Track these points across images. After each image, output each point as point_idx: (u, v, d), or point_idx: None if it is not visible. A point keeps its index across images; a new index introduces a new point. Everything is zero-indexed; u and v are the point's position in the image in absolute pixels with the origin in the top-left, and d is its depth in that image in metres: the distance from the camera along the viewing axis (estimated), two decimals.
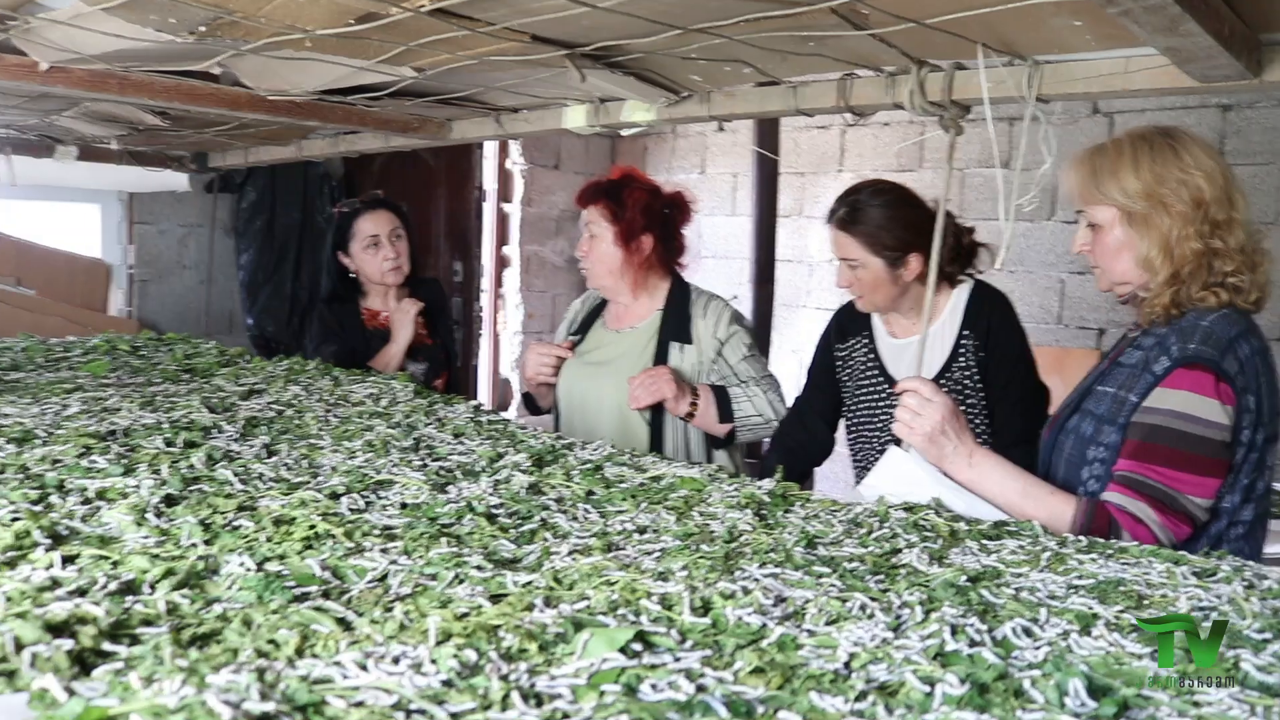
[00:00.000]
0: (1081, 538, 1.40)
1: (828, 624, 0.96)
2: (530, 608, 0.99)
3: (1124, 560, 1.27)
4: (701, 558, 1.24)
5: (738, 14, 1.38)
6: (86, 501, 1.35)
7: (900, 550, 1.31)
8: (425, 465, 1.77)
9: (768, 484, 1.73)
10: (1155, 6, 1.02)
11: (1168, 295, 1.70)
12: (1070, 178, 1.78)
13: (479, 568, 1.20)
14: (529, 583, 1.16)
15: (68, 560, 1.11)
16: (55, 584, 1.01)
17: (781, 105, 1.81)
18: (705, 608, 0.99)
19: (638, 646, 0.87)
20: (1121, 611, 1.04)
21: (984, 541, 1.38)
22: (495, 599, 1.10)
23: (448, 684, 0.79)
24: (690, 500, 1.64)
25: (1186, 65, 1.31)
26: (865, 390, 2.47)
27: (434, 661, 0.82)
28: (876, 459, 2.40)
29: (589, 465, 1.83)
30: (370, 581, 1.14)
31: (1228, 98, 4.24)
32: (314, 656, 0.87)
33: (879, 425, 2.43)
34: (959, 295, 2.35)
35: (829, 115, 1.86)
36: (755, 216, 4.65)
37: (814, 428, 2.58)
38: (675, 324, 2.66)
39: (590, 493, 1.66)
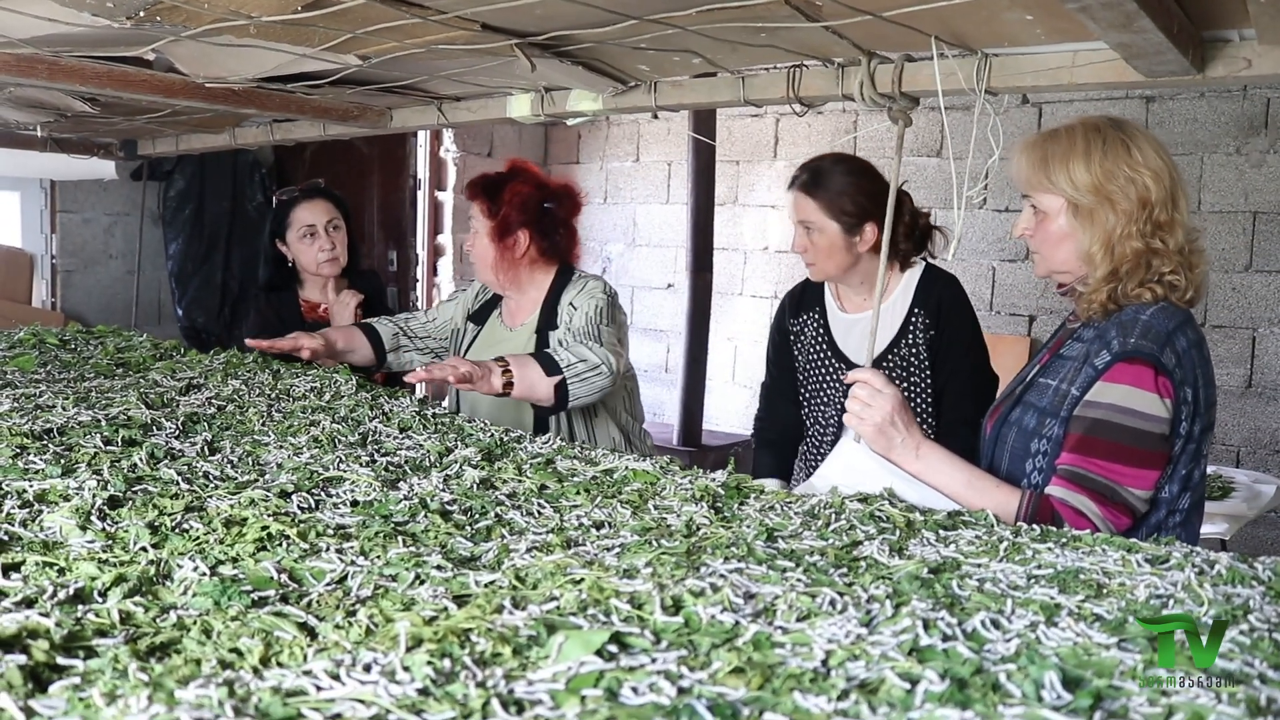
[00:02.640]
0: (1035, 526, 1.43)
1: (799, 620, 0.96)
2: (499, 610, 0.97)
3: (1079, 549, 1.30)
4: (664, 554, 1.24)
5: (693, 4, 1.37)
6: (26, 505, 1.29)
7: (860, 542, 1.32)
8: (374, 461, 1.74)
9: (720, 475, 1.74)
10: (1112, 3, 1.04)
11: (1105, 291, 1.73)
12: (1019, 162, 1.78)
13: (439, 568, 1.18)
14: (491, 583, 1.14)
15: (10, 568, 1.07)
16: (1, 595, 0.96)
17: (729, 96, 1.81)
18: (676, 606, 0.99)
19: (613, 648, 0.86)
20: (1083, 601, 1.06)
21: (941, 532, 1.40)
22: (459, 600, 1.08)
23: (424, 692, 0.77)
24: (644, 493, 1.63)
25: (1135, 61, 1.33)
26: (815, 365, 2.50)
27: (407, 669, 0.80)
28: (827, 433, 2.46)
29: (540, 459, 1.82)
30: (329, 584, 1.12)
31: (1151, 90, 4.35)
32: (281, 666, 0.85)
33: (829, 400, 2.46)
34: (911, 275, 2.40)
35: (764, 104, 1.87)
36: (692, 205, 4.66)
37: (786, 413, 2.60)
38: (549, 313, 2.64)
39: (543, 487, 1.65)
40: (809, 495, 1.62)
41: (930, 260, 2.43)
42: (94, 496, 1.32)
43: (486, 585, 1.13)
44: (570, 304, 2.59)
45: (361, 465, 1.70)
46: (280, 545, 1.24)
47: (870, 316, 2.39)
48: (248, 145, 2.78)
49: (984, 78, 1.52)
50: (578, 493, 1.62)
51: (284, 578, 1.12)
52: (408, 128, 2.48)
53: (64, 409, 1.85)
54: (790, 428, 2.61)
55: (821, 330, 2.49)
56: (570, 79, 1.77)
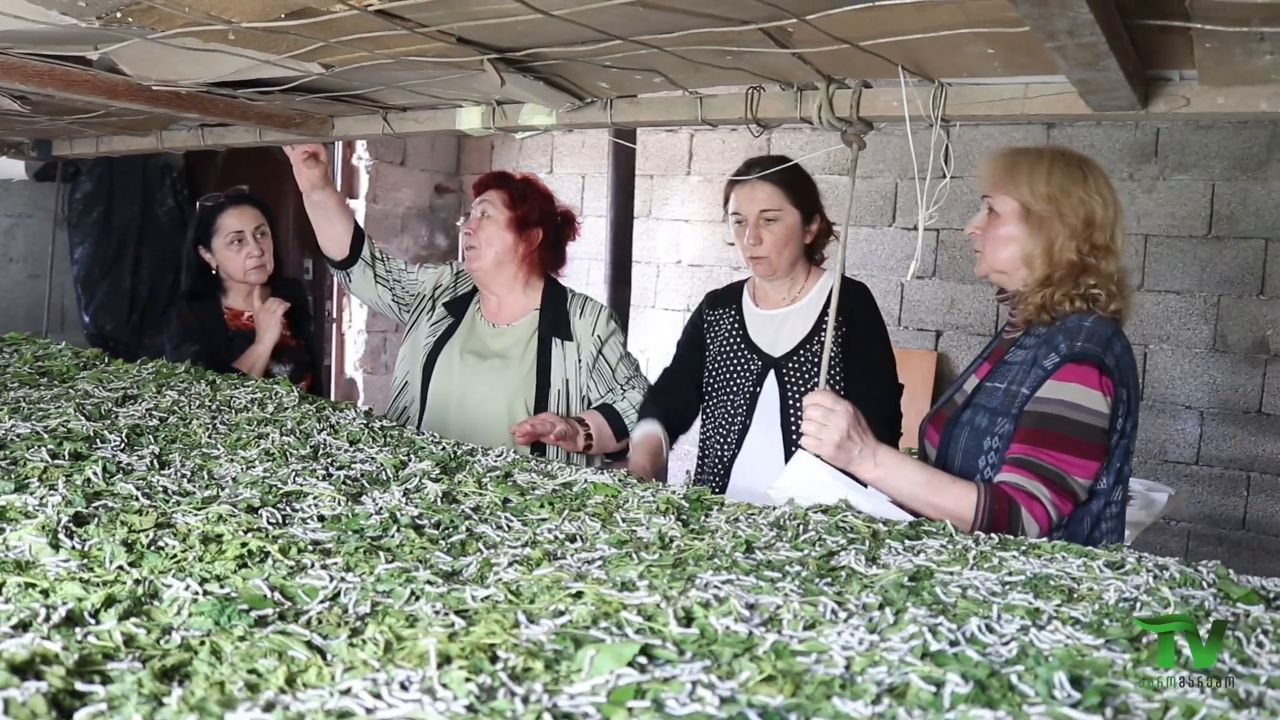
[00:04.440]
0: (993, 535, 1.50)
1: (806, 629, 1.00)
2: (516, 624, 0.98)
3: (1040, 556, 1.37)
4: (653, 566, 1.26)
5: (671, 28, 1.40)
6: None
7: (835, 552, 1.36)
8: (330, 474, 1.71)
9: (679, 488, 1.76)
10: (1087, 45, 1.11)
11: (1039, 296, 1.89)
12: (987, 166, 1.96)
13: (430, 583, 1.18)
14: (487, 597, 1.14)
15: None
16: None
17: (687, 115, 1.85)
18: (688, 618, 1.01)
19: (641, 660, 0.87)
20: (1060, 605, 1.12)
21: (907, 541, 1.45)
22: (461, 614, 1.08)
23: (471, 709, 0.77)
24: (608, 506, 1.64)
25: (1090, 95, 1.42)
26: (727, 355, 2.56)
27: (446, 686, 0.80)
28: (734, 424, 2.52)
29: (497, 472, 1.81)
30: (323, 601, 1.10)
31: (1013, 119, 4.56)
32: (310, 687, 0.84)
33: (738, 389, 2.53)
34: (826, 278, 2.52)
35: (721, 124, 1.92)
36: (611, 218, 4.69)
37: (685, 393, 2.64)
38: (554, 321, 2.68)
39: (506, 500, 1.65)
40: (772, 507, 1.65)
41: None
42: (58, 513, 1.27)
43: (484, 600, 1.13)
44: (597, 335, 2.68)
45: (318, 479, 1.67)
46: (262, 562, 1.22)
47: (784, 313, 2.50)
48: (174, 149, 2.69)
49: (940, 105, 1.59)
50: (541, 506, 1.62)
51: (277, 595, 1.10)
52: (350, 136, 2.45)
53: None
54: (684, 408, 2.63)
55: (737, 324, 2.56)
56: (530, 93, 1.78)
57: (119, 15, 1.25)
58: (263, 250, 2.92)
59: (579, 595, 1.12)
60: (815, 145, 5.17)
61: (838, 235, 2.52)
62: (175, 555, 1.20)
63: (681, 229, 5.61)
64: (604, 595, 1.10)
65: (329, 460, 1.81)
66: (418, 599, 1.12)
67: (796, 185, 2.46)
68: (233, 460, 1.74)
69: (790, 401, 2.46)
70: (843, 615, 1.04)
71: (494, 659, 0.88)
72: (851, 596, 1.12)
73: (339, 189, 5.36)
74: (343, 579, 1.17)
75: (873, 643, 0.94)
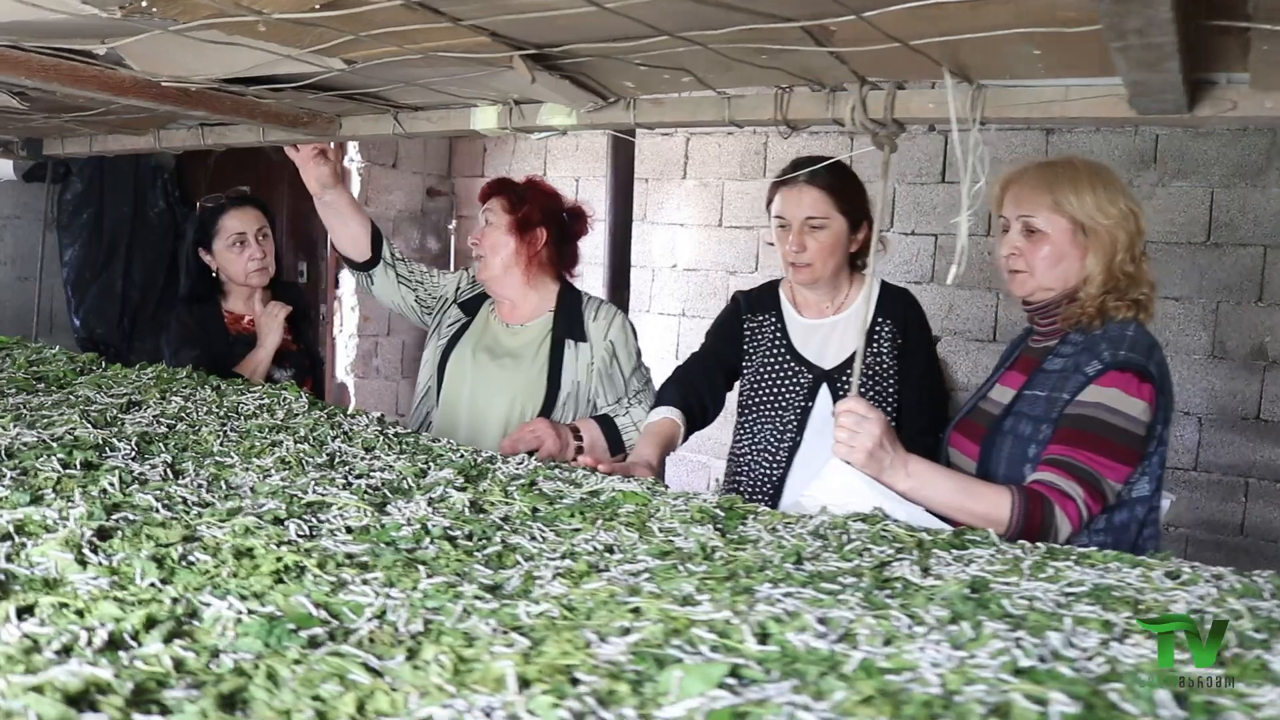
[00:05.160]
0: (1039, 545, 1.47)
1: (884, 645, 0.96)
2: (588, 644, 0.93)
3: (1094, 565, 1.34)
4: (707, 578, 1.22)
5: (720, 24, 1.36)
6: (5, 537, 1.18)
7: (887, 563, 1.33)
8: (350, 484, 1.66)
9: (709, 495, 1.72)
10: (1155, 45, 1.08)
11: (1096, 305, 1.90)
12: (1014, 185, 1.94)
13: (479, 598, 1.13)
14: (542, 613, 1.09)
15: (24, 612, 0.97)
16: (35, 644, 0.87)
17: (714, 115, 1.80)
18: (763, 634, 0.97)
19: (728, 680, 0.83)
20: (1130, 617, 1.09)
21: (954, 551, 1.42)
22: (516, 631, 1.04)
23: None
24: (640, 515, 1.60)
25: (1139, 99, 1.39)
26: (770, 368, 2.46)
27: (533, 713, 0.76)
28: (784, 438, 2.45)
29: (522, 480, 1.77)
30: (371, 619, 1.05)
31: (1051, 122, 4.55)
32: (384, 715, 0.79)
33: (786, 403, 2.43)
34: (871, 286, 2.41)
35: (748, 124, 1.88)
36: (610, 222, 4.64)
37: (714, 383, 2.49)
38: (568, 322, 2.64)
39: (535, 510, 1.60)
40: (808, 516, 1.62)
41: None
42: (81, 527, 1.22)
43: (538, 616, 1.08)
44: (610, 340, 2.62)
45: (339, 488, 1.62)
46: (299, 577, 1.17)
47: (831, 322, 2.44)
48: (172, 149, 2.62)
49: (979, 107, 1.56)
50: (572, 515, 1.58)
51: (323, 613, 1.05)
52: (358, 136, 2.39)
53: (4, 428, 1.70)
54: (707, 395, 2.47)
55: (780, 333, 2.47)
56: (555, 92, 1.74)
57: (143, 5, 1.19)
58: (265, 252, 2.87)
59: (638, 611, 1.08)
60: (833, 152, 5.15)
61: (883, 242, 2.45)
62: (208, 571, 1.15)
63: (677, 233, 5.57)
64: (668, 611, 1.05)
65: (346, 469, 1.76)
66: (469, 615, 1.07)
67: (844, 191, 2.36)
68: (248, 469, 1.68)
69: None
70: (920, 630, 1.00)
71: (574, 681, 0.83)
72: (920, 610, 1.09)
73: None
74: (387, 595, 1.12)
75: (961, 659, 0.90)
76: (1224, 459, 4.36)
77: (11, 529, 1.21)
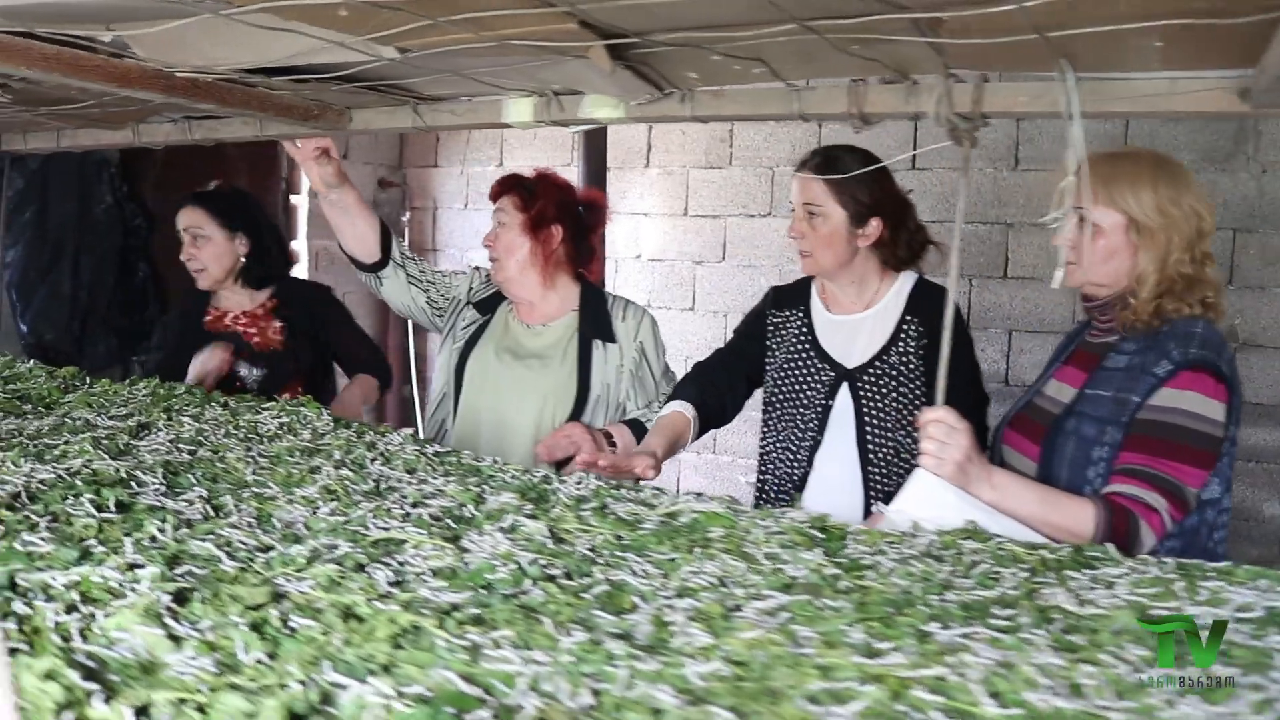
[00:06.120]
0: (1167, 560, 1.40)
1: (1118, 697, 0.86)
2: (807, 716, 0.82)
3: (1242, 583, 1.26)
4: (866, 619, 1.11)
5: (824, 13, 1.25)
6: (71, 608, 1.01)
7: (1034, 590, 1.24)
8: (408, 514, 1.51)
9: (795, 513, 1.62)
10: None
11: (1152, 306, 1.82)
12: (1075, 178, 1.82)
13: (633, 657, 1.01)
14: (712, 673, 0.98)
15: (140, 713, 0.82)
16: None
17: (781, 109, 1.69)
18: (994, 694, 0.86)
19: None
20: None
21: (1085, 571, 1.34)
22: (690, 694, 0.92)
23: None
24: (733, 540, 1.49)
25: (1265, 93, 1.32)
26: (794, 364, 2.36)
27: None
28: (805, 437, 2.34)
29: (591, 503, 1.64)
30: (529, 692, 0.92)
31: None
32: None
33: (808, 401, 2.33)
34: (902, 283, 2.32)
35: (817, 118, 1.77)
36: None
37: (734, 382, 2.41)
38: (595, 322, 2.51)
39: (618, 537, 1.48)
40: (911, 535, 1.53)
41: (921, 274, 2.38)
42: (154, 590, 1.06)
43: (713, 678, 0.96)
44: (640, 341, 2.51)
45: (399, 520, 1.48)
46: (417, 640, 1.03)
47: (857, 319, 2.34)
48: (153, 144, 2.41)
49: (1076, 101, 1.48)
50: (660, 542, 1.46)
51: (477, 690, 0.91)
52: (370, 130, 2.22)
53: (12, 464, 1.52)
54: (729, 389, 2.39)
55: (805, 329, 2.37)
56: (613, 83, 1.60)
57: None
58: (193, 255, 2.78)
59: (824, 669, 0.97)
60: (783, 142, 5.06)
61: (938, 245, 2.34)
62: (314, 639, 1.00)
63: (640, 223, 5.44)
64: (863, 666, 0.94)
65: (397, 496, 1.61)
66: (636, 681, 0.95)
67: (844, 183, 2.23)
68: (292, 500, 1.53)
69: (867, 416, 2.27)
70: (1142, 677, 0.90)
71: None
72: (1115, 648, 0.99)
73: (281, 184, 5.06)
74: (531, 659, 0.98)
75: (1219, 715, 0.81)
76: None
77: (77, 597, 1.04)
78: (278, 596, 1.10)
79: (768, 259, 5.01)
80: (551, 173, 2.58)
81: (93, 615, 1.01)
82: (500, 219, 2.51)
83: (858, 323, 2.33)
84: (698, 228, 5.24)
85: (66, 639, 0.95)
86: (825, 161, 2.25)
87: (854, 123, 1.66)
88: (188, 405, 2.04)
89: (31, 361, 2.31)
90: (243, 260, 2.84)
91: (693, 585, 1.27)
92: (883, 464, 2.26)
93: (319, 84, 1.71)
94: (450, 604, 1.15)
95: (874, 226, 2.27)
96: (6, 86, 1.77)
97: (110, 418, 1.89)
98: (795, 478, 2.33)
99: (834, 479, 2.26)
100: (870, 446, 2.25)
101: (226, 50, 1.50)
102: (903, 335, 2.29)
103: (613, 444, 2.34)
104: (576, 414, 2.43)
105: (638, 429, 2.41)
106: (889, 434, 2.26)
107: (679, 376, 2.60)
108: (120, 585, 1.08)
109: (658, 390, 2.52)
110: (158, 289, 3.84)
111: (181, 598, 1.07)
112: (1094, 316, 1.95)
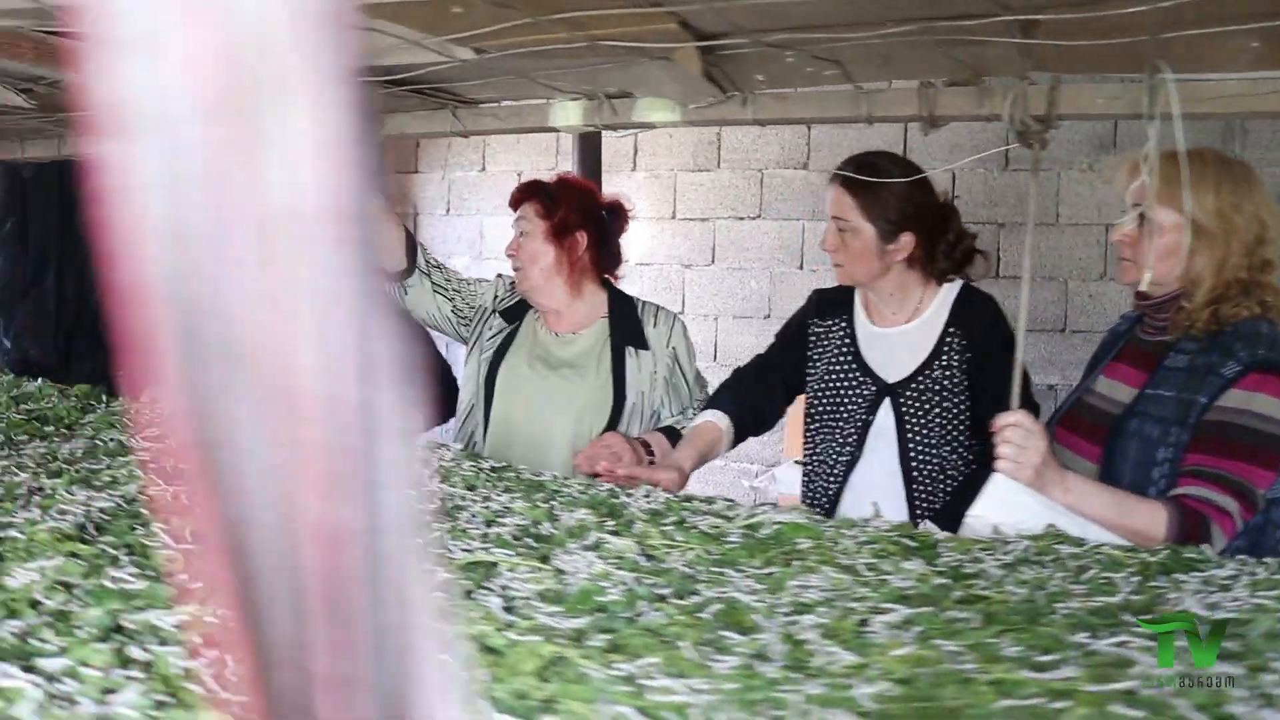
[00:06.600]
0: (1269, 560, 1.39)
1: None
2: None
3: None
4: (1010, 630, 1.08)
5: (938, 13, 1.22)
6: (216, 664, 0.95)
7: (1160, 594, 1.21)
8: (485, 535, 1.46)
9: (883, 522, 1.59)
10: None
11: (1208, 312, 1.80)
12: (1137, 174, 1.80)
13: (788, 679, 0.97)
14: (881, 693, 0.94)
15: None
16: None
17: (847, 111, 1.65)
18: (1200, 707, 0.83)
19: None
20: None
21: (1191, 574, 1.32)
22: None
23: None
24: (824, 550, 1.45)
25: None
26: (835, 375, 2.31)
27: None
28: (843, 452, 2.28)
29: (669, 518, 1.59)
30: None
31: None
32: None
33: (848, 415, 2.28)
34: (947, 293, 2.26)
35: (883, 121, 1.74)
36: None
37: (772, 390, 2.37)
38: (626, 329, 2.45)
39: (709, 552, 1.44)
40: (1003, 540, 1.50)
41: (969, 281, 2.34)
42: None
43: (879, 698, 0.92)
44: (673, 347, 2.46)
45: (479, 540, 1.42)
46: (565, 673, 0.98)
47: (900, 332, 2.31)
48: None
49: (1159, 102, 1.47)
50: (751, 555, 1.42)
51: None
52: (406, 135, 2.15)
53: (66, 493, 1.43)
54: (766, 399, 2.37)
55: (847, 340, 2.32)
56: (679, 83, 1.56)
57: None
58: None
59: (999, 683, 0.93)
60: (770, 143, 5.04)
61: (984, 253, 2.29)
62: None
63: (629, 226, 5.39)
64: (1044, 682, 0.91)
65: (466, 514, 1.55)
66: (811, 707, 0.91)
67: (870, 198, 2.14)
68: None
69: (909, 432, 2.22)
70: None
71: None
72: (1273, 654, 0.97)
73: None
74: (692, 690, 0.94)
75: None
76: None
77: (196, 639, 0.97)
78: None
79: (758, 261, 4.99)
80: (573, 177, 2.54)
81: (224, 660, 0.94)
82: (522, 227, 2.44)
83: (899, 336, 2.28)
84: (686, 231, 5.21)
85: (203, 685, 0.89)
86: (857, 171, 2.14)
87: (922, 126, 1.63)
88: None
89: (40, 380, 2.20)
90: None
91: (806, 600, 1.23)
92: (927, 480, 2.22)
93: (367, 87, 1.64)
94: (574, 629, 1.09)
95: (906, 241, 2.19)
96: (31, 92, 1.67)
97: (145, 438, 1.80)
98: (829, 494, 2.28)
99: (870, 494, 2.20)
100: (914, 463, 2.21)
101: None
102: (946, 348, 2.24)
103: (650, 453, 2.29)
104: (613, 424, 2.38)
105: (673, 436, 2.37)
106: (933, 450, 2.22)
107: (707, 381, 2.57)
108: None
109: (691, 396, 2.48)
110: None
111: None
112: (1149, 314, 1.94)
